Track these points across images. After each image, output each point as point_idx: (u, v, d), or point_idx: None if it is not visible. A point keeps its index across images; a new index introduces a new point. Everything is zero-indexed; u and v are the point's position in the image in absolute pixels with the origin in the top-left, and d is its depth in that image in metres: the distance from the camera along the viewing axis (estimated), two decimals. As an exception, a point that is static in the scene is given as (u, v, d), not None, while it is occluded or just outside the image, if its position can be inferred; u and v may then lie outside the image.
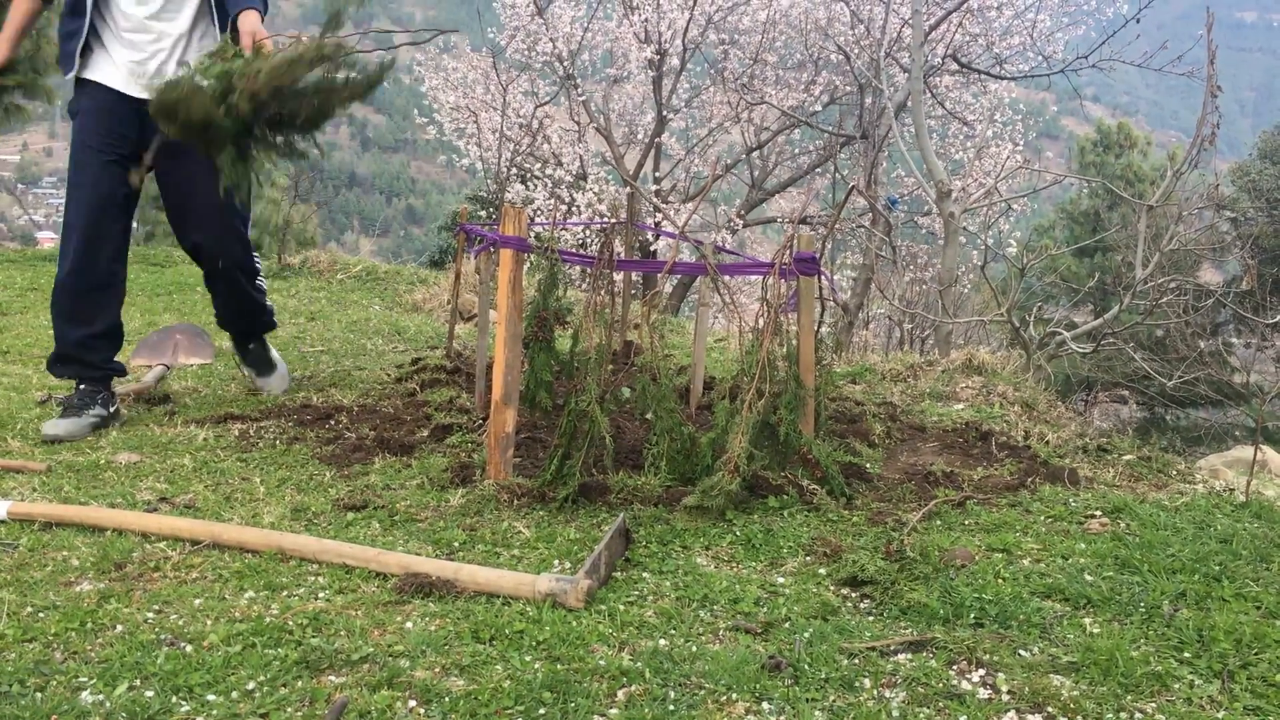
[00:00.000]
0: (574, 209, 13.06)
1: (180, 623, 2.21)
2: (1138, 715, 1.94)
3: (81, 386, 3.83)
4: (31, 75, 4.50)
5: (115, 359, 3.95)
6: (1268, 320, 8.83)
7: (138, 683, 1.95)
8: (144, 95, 3.66)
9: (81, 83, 3.80)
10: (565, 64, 12.95)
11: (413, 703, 1.91)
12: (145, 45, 3.80)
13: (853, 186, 3.94)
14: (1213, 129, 5.85)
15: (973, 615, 2.33)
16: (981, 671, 2.08)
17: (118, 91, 3.78)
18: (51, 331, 3.90)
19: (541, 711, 1.89)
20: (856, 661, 2.11)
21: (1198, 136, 5.93)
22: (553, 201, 13.07)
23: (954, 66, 11.91)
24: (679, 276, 11.90)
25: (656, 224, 11.19)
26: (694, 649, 2.14)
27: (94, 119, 3.76)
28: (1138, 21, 8.29)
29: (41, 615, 2.24)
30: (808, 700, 1.94)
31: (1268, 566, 2.65)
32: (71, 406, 3.76)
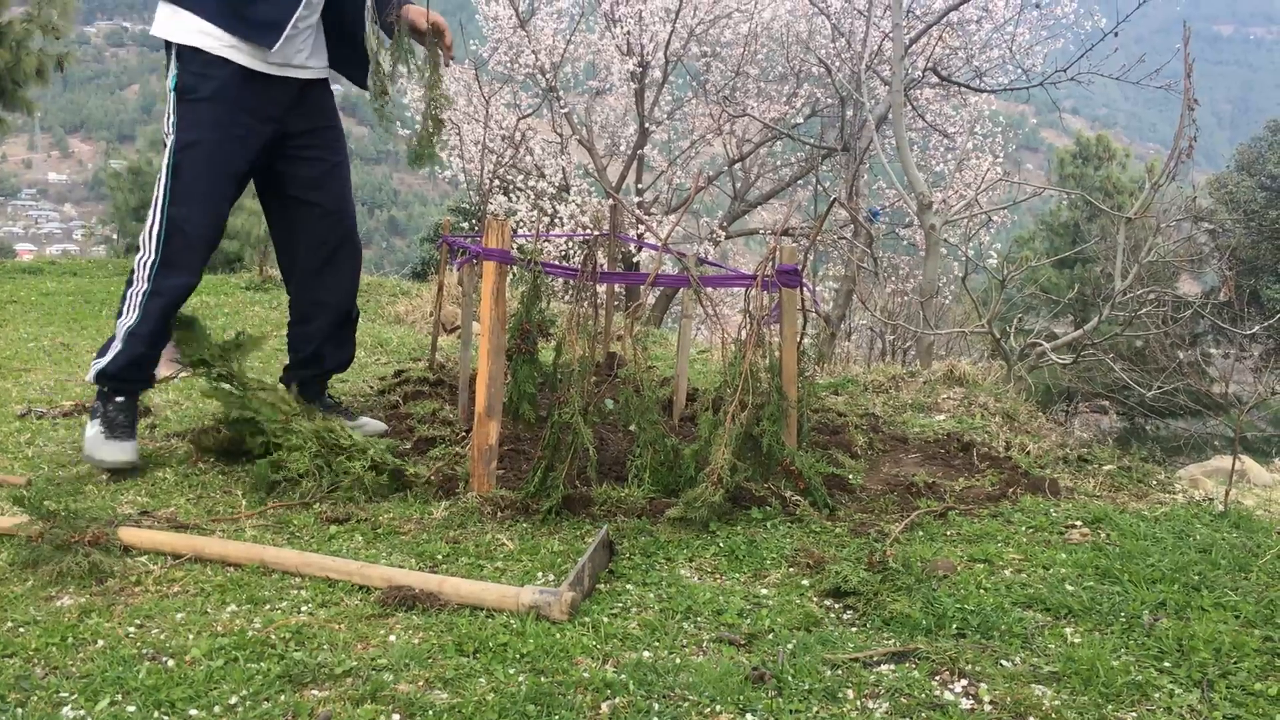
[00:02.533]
0: (556, 221, 13.08)
1: (162, 637, 2.20)
2: (1119, 724, 1.95)
3: (119, 399, 3.45)
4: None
5: None
6: (1245, 331, 8.91)
7: (119, 698, 1.94)
8: (287, 74, 3.47)
9: (210, 60, 3.33)
10: (548, 76, 12.98)
11: (396, 716, 1.90)
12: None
13: (834, 199, 3.96)
14: (1190, 142, 5.90)
15: (955, 626, 2.34)
16: (964, 682, 2.09)
17: (257, 74, 3.42)
18: (34, 342, 3.75)
19: (526, 724, 1.89)
20: (840, 672, 2.11)
21: (1175, 149, 5.99)
22: (535, 213, 13.08)
23: (934, 79, 12.00)
24: (662, 288, 11.93)
25: (639, 236, 11.22)
26: (678, 661, 2.15)
27: (237, 109, 3.39)
28: (1115, 35, 8.36)
29: (22, 630, 2.22)
30: (791, 712, 1.95)
31: (1246, 576, 2.67)
32: (120, 426, 3.40)
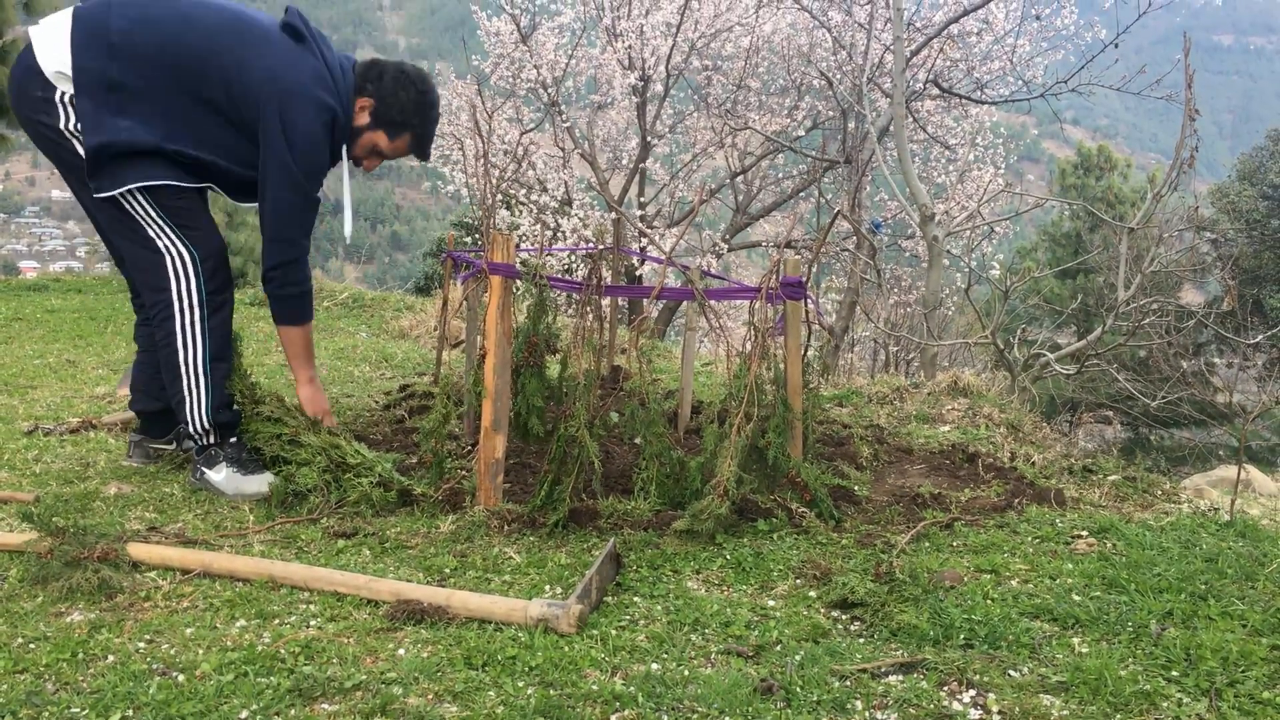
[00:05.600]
0: (559, 234, 13.11)
1: (172, 652, 2.20)
2: (1127, 734, 1.95)
3: (234, 439, 3.48)
4: None
5: None
6: (1249, 340, 8.90)
7: (130, 713, 1.94)
8: None
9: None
10: (550, 91, 13.02)
11: (406, 730, 1.91)
12: None
13: (837, 211, 3.97)
14: (1191, 152, 5.92)
15: (962, 636, 2.34)
16: (972, 692, 2.09)
17: None
18: (40, 359, 3.74)
19: (535, 737, 1.89)
20: (848, 683, 2.12)
21: (1177, 159, 6.00)
22: (538, 227, 13.11)
23: (935, 91, 12.02)
24: (665, 302, 11.94)
25: (642, 249, 11.23)
26: (686, 673, 2.15)
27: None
28: (1116, 46, 8.38)
29: (33, 646, 2.23)
30: (800, 723, 1.95)
31: (1253, 585, 2.67)
32: (249, 460, 3.45)
